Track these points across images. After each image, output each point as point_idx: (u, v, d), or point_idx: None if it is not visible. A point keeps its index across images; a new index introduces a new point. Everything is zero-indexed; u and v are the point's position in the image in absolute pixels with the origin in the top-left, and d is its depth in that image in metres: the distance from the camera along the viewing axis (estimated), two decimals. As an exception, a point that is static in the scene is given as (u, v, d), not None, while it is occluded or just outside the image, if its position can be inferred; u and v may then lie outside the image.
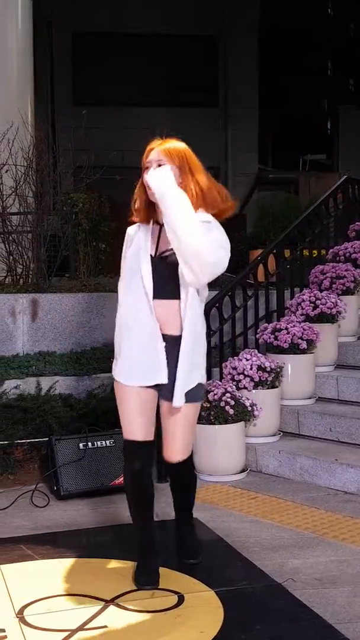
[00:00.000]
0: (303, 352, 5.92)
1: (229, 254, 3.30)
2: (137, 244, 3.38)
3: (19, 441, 5.28)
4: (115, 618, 3.10)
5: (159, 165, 3.28)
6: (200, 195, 3.29)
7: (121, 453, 4.92)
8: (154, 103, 17.03)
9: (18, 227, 7.61)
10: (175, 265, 3.22)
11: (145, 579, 3.39)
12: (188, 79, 17.64)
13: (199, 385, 3.40)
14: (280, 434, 5.66)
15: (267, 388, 5.57)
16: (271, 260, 6.67)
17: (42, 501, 4.74)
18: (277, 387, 5.64)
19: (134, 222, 3.47)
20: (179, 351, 3.29)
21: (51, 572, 3.59)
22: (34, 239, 7.41)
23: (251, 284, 6.44)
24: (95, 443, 5.01)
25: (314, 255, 7.50)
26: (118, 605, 3.21)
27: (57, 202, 7.61)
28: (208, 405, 5.13)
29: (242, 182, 18.11)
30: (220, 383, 5.32)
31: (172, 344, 3.30)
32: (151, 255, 3.34)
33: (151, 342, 3.31)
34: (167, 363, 3.31)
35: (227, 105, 18.35)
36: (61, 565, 3.65)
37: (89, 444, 4.99)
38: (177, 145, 3.37)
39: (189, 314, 3.28)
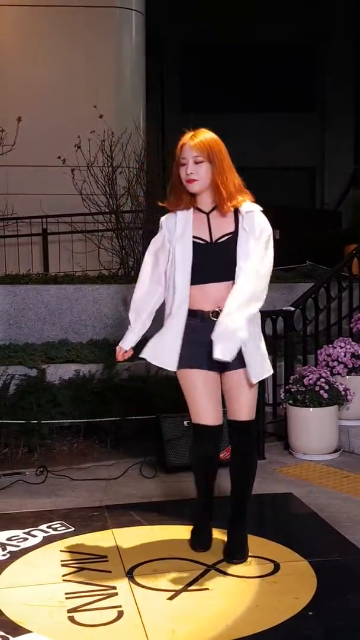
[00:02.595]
0: (395, 341, 5.79)
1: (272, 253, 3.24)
2: (183, 230, 3.27)
3: (129, 418, 5.36)
4: (216, 582, 3.12)
5: (195, 163, 3.17)
6: (238, 184, 3.26)
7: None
8: (255, 108, 16.92)
9: (130, 224, 7.72)
10: (232, 250, 3.19)
11: (199, 544, 3.42)
12: (286, 84, 17.43)
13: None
14: (372, 417, 5.56)
15: (360, 374, 5.48)
16: (365, 254, 6.54)
17: (150, 472, 4.81)
18: (369, 373, 5.55)
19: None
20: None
21: (157, 537, 3.64)
22: (144, 234, 7.49)
23: (346, 276, 6.33)
24: (198, 421, 5.02)
25: None
26: (218, 570, 3.23)
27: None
28: (303, 389, 5.09)
29: (338, 181, 17.80)
30: (315, 369, 5.26)
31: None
32: (207, 241, 3.25)
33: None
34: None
35: (325, 108, 18.05)
36: (167, 531, 3.70)
37: (193, 422, 5.01)
38: (206, 136, 3.22)
39: None
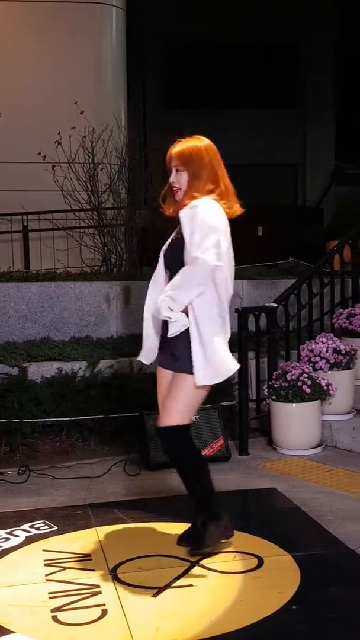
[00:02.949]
0: (377, 335, 5.81)
1: (217, 237, 3.16)
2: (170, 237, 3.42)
3: (113, 415, 5.35)
4: (200, 578, 3.12)
5: (177, 171, 3.26)
6: (220, 189, 3.26)
7: (206, 428, 4.98)
8: (237, 105, 16.92)
9: (112, 220, 7.70)
10: (180, 250, 3.24)
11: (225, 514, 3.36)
12: (268, 81, 17.45)
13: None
14: (354, 412, 5.58)
15: (342, 369, 5.49)
16: (347, 250, 6.56)
17: (134, 470, 4.80)
18: (351, 368, 5.56)
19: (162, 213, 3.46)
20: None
21: (141, 534, 3.63)
22: (126, 231, 7.48)
23: (328, 272, 6.35)
24: (181, 418, 5.01)
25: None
26: (202, 566, 3.23)
27: (147, 197, 7.67)
28: (286, 384, 5.09)
29: (320, 178, 17.85)
30: (298, 364, 5.27)
31: None
32: (167, 246, 3.39)
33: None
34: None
35: (307, 105, 18.10)
36: (151, 529, 3.69)
37: (176, 419, 5.00)
38: (189, 144, 3.27)
39: None
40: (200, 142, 3.31)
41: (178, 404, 3.27)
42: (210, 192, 3.26)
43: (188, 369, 3.21)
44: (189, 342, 3.19)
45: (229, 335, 3.34)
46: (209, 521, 3.29)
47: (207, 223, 3.15)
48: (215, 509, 3.33)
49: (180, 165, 3.26)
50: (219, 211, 3.23)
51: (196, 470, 3.35)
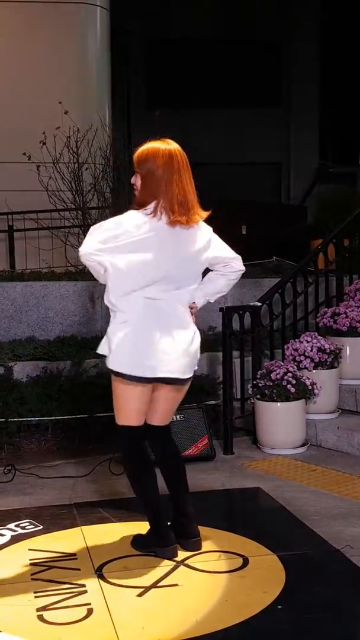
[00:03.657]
0: (360, 334, 5.83)
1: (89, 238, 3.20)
2: None
3: (97, 415, 5.34)
4: (185, 577, 3.12)
5: (135, 174, 3.28)
6: (170, 195, 3.20)
7: (190, 427, 4.98)
8: (220, 104, 16.94)
9: (97, 220, 7.68)
10: None
11: (171, 552, 3.32)
12: (252, 80, 17.48)
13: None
14: (339, 411, 5.59)
15: (327, 368, 5.51)
16: (331, 249, 6.57)
17: (119, 469, 4.78)
18: (336, 367, 5.58)
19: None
20: None
21: (127, 533, 3.62)
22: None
23: (312, 271, 6.36)
24: (167, 417, 5.01)
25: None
26: (187, 566, 3.23)
27: (132, 197, 7.65)
28: (271, 384, 5.10)
29: (304, 177, 17.90)
30: (282, 363, 5.28)
31: None
32: None
33: None
34: None
35: (290, 104, 18.14)
36: (136, 528, 3.67)
37: (161, 418, 5.00)
38: (143, 147, 3.26)
39: None
40: (165, 145, 3.25)
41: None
42: (155, 200, 3.21)
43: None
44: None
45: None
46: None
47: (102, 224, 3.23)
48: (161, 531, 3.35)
49: (136, 167, 3.28)
50: (114, 219, 3.23)
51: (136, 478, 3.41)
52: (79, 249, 3.19)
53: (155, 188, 3.20)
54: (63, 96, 9.13)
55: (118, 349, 3.21)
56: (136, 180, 3.29)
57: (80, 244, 3.23)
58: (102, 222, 3.25)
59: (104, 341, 3.30)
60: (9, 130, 9.71)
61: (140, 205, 3.24)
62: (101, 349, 3.32)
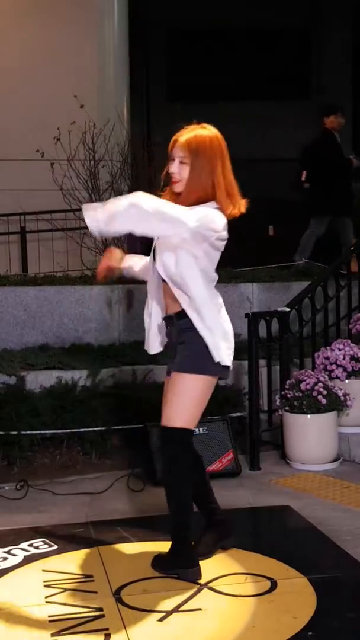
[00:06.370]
0: None
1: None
2: None
3: (115, 427, 5.35)
4: (210, 601, 3.11)
5: (181, 163, 3.23)
6: (222, 186, 3.22)
7: (214, 441, 4.97)
8: (247, 96, 16.93)
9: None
10: None
11: (195, 574, 3.31)
12: (280, 71, 17.47)
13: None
14: (373, 424, 5.56)
15: (360, 378, 5.49)
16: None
17: (138, 485, 4.79)
18: (370, 377, 5.55)
19: None
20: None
21: (147, 554, 3.62)
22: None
23: (344, 274, 6.34)
24: (189, 430, 5.01)
25: None
26: (212, 589, 3.22)
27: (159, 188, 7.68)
28: (300, 394, 5.09)
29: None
30: (312, 373, 5.26)
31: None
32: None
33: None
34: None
35: (322, 96, 18.10)
36: (156, 548, 3.67)
37: (183, 431, 5.00)
38: (197, 133, 3.22)
39: None
40: (208, 132, 3.25)
41: (177, 404, 3.28)
42: (211, 192, 3.21)
43: (185, 366, 3.26)
44: (191, 339, 3.23)
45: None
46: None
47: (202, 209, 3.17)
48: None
49: (185, 156, 3.21)
50: (217, 215, 3.21)
51: (182, 487, 3.36)
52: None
53: (207, 178, 3.20)
54: (78, 89, 9.18)
55: (227, 338, 3.32)
56: (181, 170, 3.23)
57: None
58: (208, 212, 3.17)
59: (210, 343, 3.22)
60: (21, 126, 9.79)
61: (186, 197, 3.21)
62: (217, 355, 3.24)
